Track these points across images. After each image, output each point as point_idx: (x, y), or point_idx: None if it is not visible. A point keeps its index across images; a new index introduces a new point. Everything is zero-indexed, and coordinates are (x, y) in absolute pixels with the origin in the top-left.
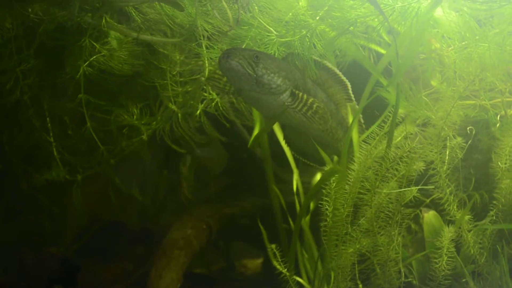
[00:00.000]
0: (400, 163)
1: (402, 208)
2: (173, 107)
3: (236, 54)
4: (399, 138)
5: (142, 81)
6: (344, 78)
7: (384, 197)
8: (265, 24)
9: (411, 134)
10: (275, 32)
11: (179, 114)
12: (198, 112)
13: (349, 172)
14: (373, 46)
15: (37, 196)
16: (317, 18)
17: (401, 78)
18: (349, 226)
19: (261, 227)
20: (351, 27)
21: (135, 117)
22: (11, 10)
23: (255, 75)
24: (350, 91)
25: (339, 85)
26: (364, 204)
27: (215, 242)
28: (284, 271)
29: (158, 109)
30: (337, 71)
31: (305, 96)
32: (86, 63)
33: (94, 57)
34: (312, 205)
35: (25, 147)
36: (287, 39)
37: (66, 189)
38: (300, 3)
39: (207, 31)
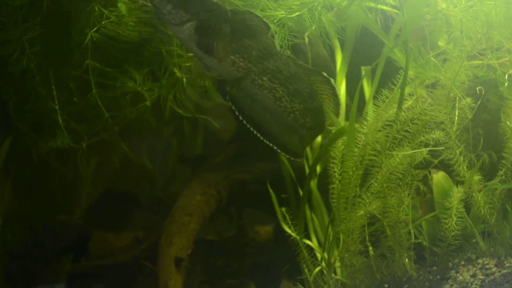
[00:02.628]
0: (410, 125)
1: (412, 169)
2: (178, 72)
3: None
4: (410, 101)
5: (149, 47)
6: (338, 94)
7: (394, 159)
8: None
9: (421, 96)
10: None
11: (184, 79)
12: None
13: (359, 134)
14: (382, 7)
15: (48, 165)
16: None
17: (408, 39)
18: (358, 188)
19: (271, 192)
20: None
21: (138, 82)
22: None
23: None
24: (340, 107)
25: (331, 97)
26: (374, 166)
27: (226, 209)
28: (294, 234)
29: (163, 75)
30: (333, 83)
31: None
32: (94, 29)
33: (103, 22)
34: (319, 168)
35: (32, 115)
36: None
37: (77, 158)
38: None
39: None
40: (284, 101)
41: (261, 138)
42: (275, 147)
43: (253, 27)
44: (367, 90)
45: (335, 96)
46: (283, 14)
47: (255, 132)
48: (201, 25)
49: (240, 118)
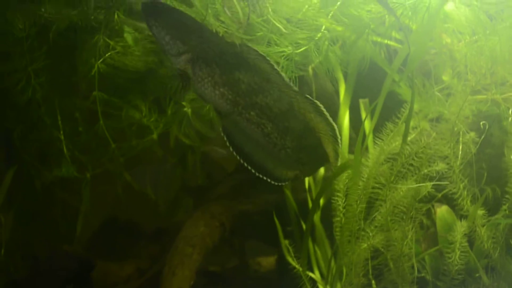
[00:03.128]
0: (415, 158)
1: (416, 203)
2: (184, 103)
3: (144, 4)
4: (413, 134)
5: (156, 77)
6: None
7: (398, 192)
8: (275, 22)
9: (425, 130)
10: (284, 30)
11: (189, 110)
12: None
13: (363, 167)
14: (387, 42)
15: (51, 195)
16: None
17: (413, 73)
18: (362, 222)
19: (277, 223)
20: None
21: (144, 114)
22: (23, 10)
23: (149, 26)
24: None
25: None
26: (378, 199)
27: (229, 240)
28: (298, 266)
29: (168, 105)
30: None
31: (204, 70)
32: (100, 60)
33: (109, 54)
34: (322, 200)
35: (37, 144)
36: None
37: (81, 188)
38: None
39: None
40: (274, 138)
41: (250, 169)
42: (267, 179)
43: (248, 61)
44: (367, 123)
45: (334, 134)
46: (290, 49)
47: (244, 164)
48: (195, 57)
49: (231, 149)
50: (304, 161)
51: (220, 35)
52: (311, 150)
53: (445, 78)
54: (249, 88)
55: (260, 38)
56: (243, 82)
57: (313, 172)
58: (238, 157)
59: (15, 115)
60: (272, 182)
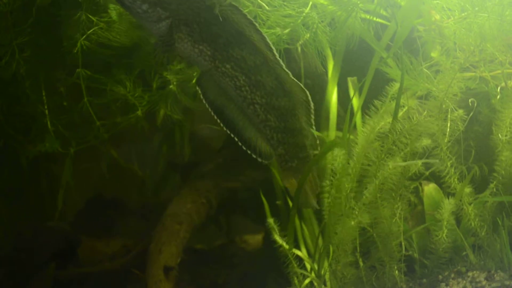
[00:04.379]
0: (406, 136)
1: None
2: (169, 76)
3: None
4: (401, 112)
5: (140, 53)
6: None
7: (387, 170)
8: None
9: (413, 108)
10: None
11: (174, 83)
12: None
13: (352, 145)
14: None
15: (37, 171)
16: None
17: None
18: (352, 200)
19: (264, 201)
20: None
21: (128, 89)
22: None
23: None
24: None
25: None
26: (367, 177)
27: (216, 217)
28: (284, 244)
29: (153, 79)
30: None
31: (184, 31)
32: (83, 37)
33: (92, 30)
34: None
35: (21, 119)
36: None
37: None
38: None
39: None
40: (244, 91)
41: (222, 126)
42: (236, 139)
43: (223, 15)
44: (356, 101)
45: (308, 104)
46: (278, 30)
47: (217, 119)
48: (177, 20)
49: (204, 102)
50: (272, 124)
51: None
52: (284, 116)
53: (433, 55)
54: (226, 42)
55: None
56: (221, 36)
57: (297, 165)
58: (210, 110)
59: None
60: (242, 146)
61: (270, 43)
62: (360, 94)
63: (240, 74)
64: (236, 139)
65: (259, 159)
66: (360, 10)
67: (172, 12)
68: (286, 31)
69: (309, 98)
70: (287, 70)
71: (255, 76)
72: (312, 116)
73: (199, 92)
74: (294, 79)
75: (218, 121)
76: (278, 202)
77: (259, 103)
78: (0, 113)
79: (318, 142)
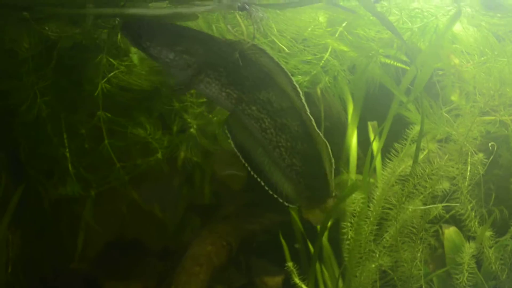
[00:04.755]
0: (427, 180)
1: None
2: (188, 118)
3: (125, 28)
4: (422, 155)
5: (160, 97)
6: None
7: (409, 214)
8: (279, 44)
9: (432, 151)
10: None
11: (194, 126)
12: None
13: (373, 189)
14: (395, 64)
15: (59, 213)
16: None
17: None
18: (372, 243)
19: (284, 243)
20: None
21: (148, 132)
22: (28, 29)
23: (142, 48)
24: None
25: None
26: (388, 220)
27: (235, 259)
28: (304, 287)
29: (173, 121)
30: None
31: (211, 75)
32: (104, 80)
33: (112, 73)
34: (330, 221)
35: (43, 162)
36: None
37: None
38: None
39: None
40: (269, 133)
41: (250, 169)
42: (262, 183)
43: (250, 58)
44: (375, 145)
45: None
46: (300, 78)
47: (244, 163)
48: (204, 65)
49: (232, 145)
50: (297, 169)
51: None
52: (309, 162)
53: (453, 98)
54: (253, 84)
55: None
56: (248, 79)
57: (316, 200)
58: (237, 153)
59: (22, 133)
60: (268, 190)
61: (297, 86)
62: (380, 138)
63: (265, 116)
64: (263, 183)
65: (286, 204)
66: (380, 54)
67: (199, 57)
68: (307, 78)
69: (329, 149)
70: (310, 117)
71: (280, 119)
72: (333, 166)
73: (227, 134)
74: (316, 128)
75: (246, 164)
76: (296, 245)
77: (284, 147)
78: (22, 155)
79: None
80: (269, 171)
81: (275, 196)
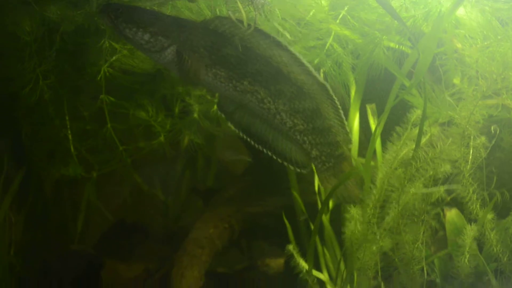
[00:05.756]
0: (430, 163)
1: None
2: (191, 101)
3: (103, 9)
4: (424, 139)
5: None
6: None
7: (411, 196)
8: (279, 28)
9: (434, 135)
10: (289, 37)
11: (196, 108)
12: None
13: (375, 172)
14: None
15: (61, 195)
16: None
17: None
18: (374, 226)
19: (287, 224)
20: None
21: (150, 114)
22: (29, 12)
23: (118, 30)
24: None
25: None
26: (388, 202)
27: (238, 242)
28: (306, 267)
29: (175, 104)
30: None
31: (192, 57)
32: (107, 64)
33: (115, 57)
34: (331, 203)
35: (46, 145)
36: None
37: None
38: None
39: None
40: (267, 102)
41: (253, 144)
42: (270, 154)
43: (227, 33)
44: (375, 127)
45: (332, 100)
46: None
47: (247, 139)
48: (181, 47)
49: (230, 125)
50: (300, 128)
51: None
52: (310, 117)
53: (456, 81)
54: (238, 60)
55: None
56: (231, 55)
57: (329, 163)
58: (238, 132)
59: (24, 115)
60: (281, 161)
61: (283, 42)
62: (380, 121)
63: (259, 88)
64: (270, 154)
65: (298, 170)
66: (383, 38)
67: (174, 39)
68: (316, 61)
69: (331, 92)
70: (306, 64)
71: (274, 86)
72: (340, 111)
73: (222, 116)
74: (314, 73)
75: (248, 140)
76: (301, 219)
77: (284, 111)
78: (25, 138)
79: (350, 136)
80: (274, 140)
81: (286, 164)
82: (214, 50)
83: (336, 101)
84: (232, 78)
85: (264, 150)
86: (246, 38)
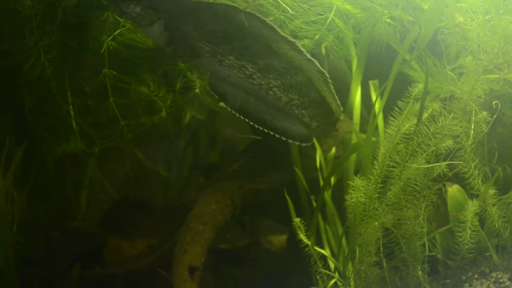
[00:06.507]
0: (432, 138)
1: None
2: (193, 77)
3: None
4: (426, 114)
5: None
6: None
7: (412, 172)
8: (280, 2)
9: (436, 110)
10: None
11: (198, 84)
12: None
13: (377, 147)
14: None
15: (63, 171)
16: None
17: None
18: (376, 201)
19: (289, 201)
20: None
21: (152, 89)
22: None
23: (115, 3)
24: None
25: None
26: (390, 178)
27: (240, 218)
28: (306, 240)
29: (177, 79)
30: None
31: (180, 31)
32: (110, 38)
33: (118, 31)
34: (333, 179)
35: (47, 119)
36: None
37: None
38: None
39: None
40: (257, 78)
41: (253, 124)
42: (271, 132)
43: (218, 11)
44: (377, 103)
45: (322, 74)
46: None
47: (244, 119)
48: (169, 21)
49: (225, 105)
50: (296, 103)
51: None
52: (305, 91)
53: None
54: (225, 35)
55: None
56: (218, 31)
57: (327, 128)
58: (234, 112)
59: (26, 91)
60: (279, 136)
61: (268, 21)
62: (382, 96)
63: (246, 63)
64: (272, 133)
65: (302, 144)
66: (385, 14)
67: (163, 13)
68: (316, 37)
69: (320, 67)
70: (294, 41)
71: (262, 61)
72: (331, 84)
73: (216, 95)
74: (302, 50)
75: (246, 120)
76: (312, 197)
77: (276, 86)
78: (27, 114)
79: (341, 108)
80: (272, 118)
81: (289, 140)
82: (201, 25)
83: (326, 74)
84: (217, 53)
85: (265, 130)
86: (233, 15)
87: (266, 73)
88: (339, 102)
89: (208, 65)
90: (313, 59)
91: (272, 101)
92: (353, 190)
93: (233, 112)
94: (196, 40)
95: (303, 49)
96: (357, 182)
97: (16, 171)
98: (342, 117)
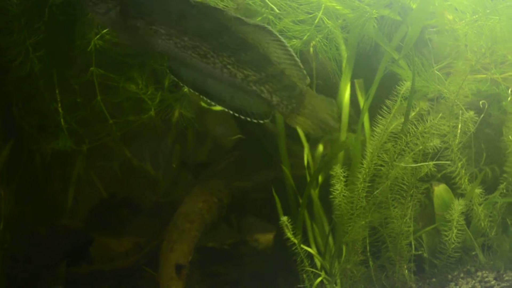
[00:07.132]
0: (419, 137)
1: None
2: None
3: None
4: (413, 113)
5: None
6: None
7: (400, 171)
8: (267, 1)
9: (423, 109)
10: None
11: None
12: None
13: (366, 146)
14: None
15: (50, 169)
16: None
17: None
18: (363, 200)
19: (276, 199)
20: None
21: (140, 87)
22: None
23: None
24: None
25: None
26: (377, 177)
27: (227, 216)
28: (293, 238)
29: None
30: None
31: (136, 16)
32: (97, 36)
33: (106, 30)
34: (321, 178)
35: (35, 117)
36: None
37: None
38: None
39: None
40: (211, 57)
41: (211, 102)
42: (230, 111)
43: None
44: (362, 102)
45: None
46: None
47: (205, 99)
48: (125, 7)
49: (183, 86)
50: (253, 79)
51: None
52: (260, 66)
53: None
54: (180, 16)
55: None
56: (172, 12)
57: (290, 102)
58: (193, 92)
59: (14, 88)
60: (239, 116)
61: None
62: (368, 95)
63: (200, 43)
64: (231, 112)
65: (261, 121)
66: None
67: (118, 0)
68: (305, 37)
69: (275, 33)
70: (243, 18)
71: (216, 40)
72: (289, 49)
73: (175, 78)
74: (252, 22)
75: (206, 99)
76: (312, 191)
77: (230, 63)
78: (15, 111)
79: (305, 72)
80: (231, 97)
81: (249, 119)
82: (154, 8)
83: (283, 41)
84: (172, 35)
85: (225, 109)
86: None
87: (219, 51)
88: (304, 72)
89: (165, 49)
90: (268, 27)
91: (227, 78)
92: (337, 181)
93: (192, 91)
94: (152, 24)
95: (253, 21)
96: (338, 171)
97: (2, 168)
98: (308, 82)
